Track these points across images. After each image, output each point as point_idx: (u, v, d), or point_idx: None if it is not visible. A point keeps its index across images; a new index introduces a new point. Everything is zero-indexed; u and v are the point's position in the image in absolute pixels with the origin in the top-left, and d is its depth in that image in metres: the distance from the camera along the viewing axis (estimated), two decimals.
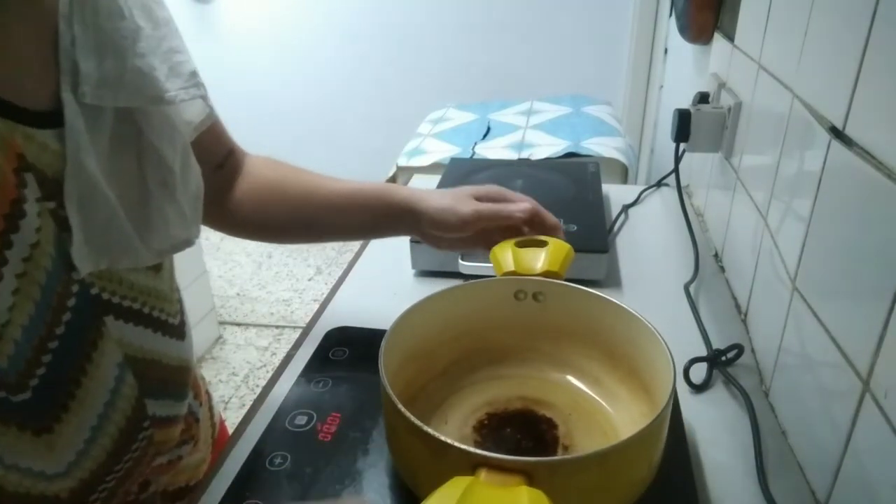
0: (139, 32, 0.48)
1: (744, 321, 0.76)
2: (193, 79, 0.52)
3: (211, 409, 0.75)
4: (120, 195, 0.47)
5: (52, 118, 0.43)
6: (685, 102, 0.94)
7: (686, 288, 0.83)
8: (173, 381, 0.59)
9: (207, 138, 0.64)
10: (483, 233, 0.68)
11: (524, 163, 1.32)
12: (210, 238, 2.73)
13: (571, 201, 0.98)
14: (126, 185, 0.48)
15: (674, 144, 0.93)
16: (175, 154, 0.52)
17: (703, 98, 0.94)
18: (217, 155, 0.69)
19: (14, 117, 0.40)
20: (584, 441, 0.55)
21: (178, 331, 0.59)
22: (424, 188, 0.71)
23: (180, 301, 0.60)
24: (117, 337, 0.50)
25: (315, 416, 0.59)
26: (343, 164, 3.03)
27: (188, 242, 0.54)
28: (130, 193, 0.49)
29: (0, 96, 0.40)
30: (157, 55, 0.49)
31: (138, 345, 0.53)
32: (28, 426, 0.45)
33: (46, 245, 0.43)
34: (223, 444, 0.64)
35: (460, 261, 0.84)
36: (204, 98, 0.56)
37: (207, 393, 0.74)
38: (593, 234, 0.87)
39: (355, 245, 0.99)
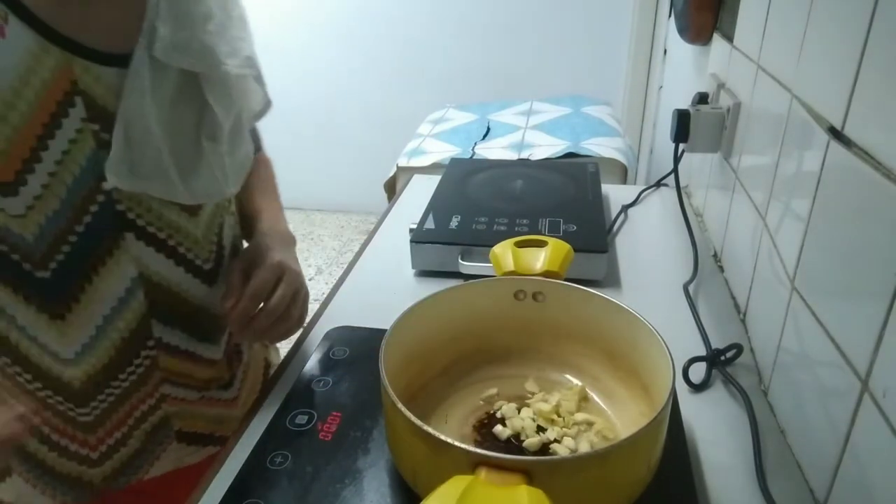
0: (210, 16, 0.60)
1: (743, 321, 0.76)
2: (249, 61, 0.64)
3: (265, 374, 0.83)
4: (173, 138, 0.58)
5: (116, 60, 0.55)
6: (684, 103, 0.94)
7: (685, 288, 0.83)
8: (191, 317, 0.68)
9: None
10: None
11: (524, 163, 1.32)
12: None
13: (571, 201, 0.98)
14: (180, 132, 0.59)
15: (673, 145, 0.93)
16: (227, 117, 0.62)
17: (702, 98, 0.94)
18: None
19: (74, 51, 0.52)
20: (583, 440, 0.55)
21: (206, 275, 0.67)
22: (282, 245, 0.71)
23: (217, 253, 0.69)
24: (135, 254, 0.61)
25: (316, 415, 0.59)
26: (343, 165, 3.04)
27: (222, 194, 0.64)
28: (182, 139, 0.59)
29: (72, 37, 0.52)
30: (223, 37, 0.60)
31: (155, 269, 0.63)
32: (45, 310, 0.59)
33: (79, 156, 0.55)
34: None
35: (460, 261, 0.85)
36: (258, 81, 0.68)
37: (268, 365, 0.85)
38: (593, 234, 0.88)
39: (356, 245, 0.99)
